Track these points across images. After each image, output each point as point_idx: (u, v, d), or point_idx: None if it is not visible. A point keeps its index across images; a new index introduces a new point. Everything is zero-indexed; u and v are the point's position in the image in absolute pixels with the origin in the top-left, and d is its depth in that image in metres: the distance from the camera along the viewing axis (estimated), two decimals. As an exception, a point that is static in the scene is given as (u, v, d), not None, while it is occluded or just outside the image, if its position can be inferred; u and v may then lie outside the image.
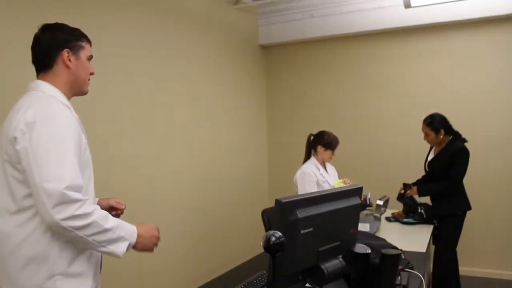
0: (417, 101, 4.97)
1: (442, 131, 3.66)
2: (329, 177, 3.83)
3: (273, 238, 1.29)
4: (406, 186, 3.85)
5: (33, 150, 1.45)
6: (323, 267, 1.55)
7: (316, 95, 5.57)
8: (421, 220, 3.58)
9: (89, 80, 1.74)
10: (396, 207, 3.95)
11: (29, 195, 1.50)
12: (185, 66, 4.35)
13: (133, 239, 1.60)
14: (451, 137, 3.71)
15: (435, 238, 3.73)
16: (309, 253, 1.55)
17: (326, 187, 3.77)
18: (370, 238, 2.20)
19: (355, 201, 1.71)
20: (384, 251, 1.70)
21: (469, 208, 3.69)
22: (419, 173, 4.02)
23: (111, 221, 1.55)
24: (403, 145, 5.04)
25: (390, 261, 1.66)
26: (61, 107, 1.58)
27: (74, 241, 1.53)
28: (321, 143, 3.80)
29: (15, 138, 1.49)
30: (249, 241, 5.25)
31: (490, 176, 4.69)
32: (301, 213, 1.48)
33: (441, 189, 3.64)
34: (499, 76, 4.65)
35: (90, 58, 1.74)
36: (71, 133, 1.54)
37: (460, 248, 3.77)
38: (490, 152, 4.67)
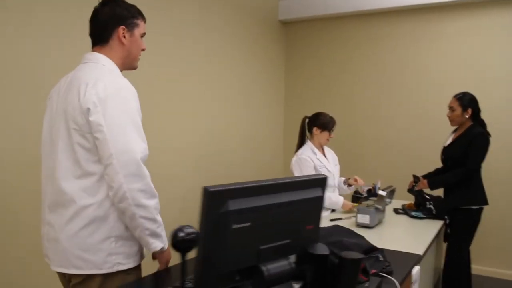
0: (441, 86, 4.57)
1: (469, 110, 3.33)
2: (327, 162, 3.56)
3: (181, 234, 1.08)
4: (415, 179, 3.53)
5: (107, 123, 1.55)
6: (263, 268, 1.31)
7: (337, 76, 5.23)
8: (431, 215, 3.26)
9: (139, 56, 1.82)
10: (409, 198, 3.64)
11: (95, 161, 1.61)
12: (199, 43, 4.12)
13: (166, 246, 1.71)
14: (472, 123, 3.36)
15: (446, 235, 3.41)
16: (247, 252, 1.31)
17: (324, 172, 3.50)
18: (347, 235, 1.93)
19: (315, 193, 1.45)
20: (344, 254, 1.45)
21: (486, 202, 3.33)
22: (437, 164, 3.68)
23: (159, 217, 1.67)
24: (424, 134, 4.67)
25: (348, 266, 1.41)
26: (126, 81, 1.66)
27: (123, 215, 1.61)
28: (316, 124, 3.53)
29: (88, 110, 1.57)
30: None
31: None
32: (234, 205, 1.24)
33: (455, 179, 3.30)
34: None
35: (143, 35, 1.81)
36: (137, 106, 1.66)
37: (473, 246, 3.44)
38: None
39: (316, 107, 5.31)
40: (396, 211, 3.50)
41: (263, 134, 5.23)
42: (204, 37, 4.18)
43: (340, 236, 1.84)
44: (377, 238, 2.72)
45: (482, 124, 3.37)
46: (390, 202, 3.20)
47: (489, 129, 3.38)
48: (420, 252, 2.29)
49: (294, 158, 3.54)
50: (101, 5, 1.74)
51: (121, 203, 1.58)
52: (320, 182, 1.48)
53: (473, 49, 4.44)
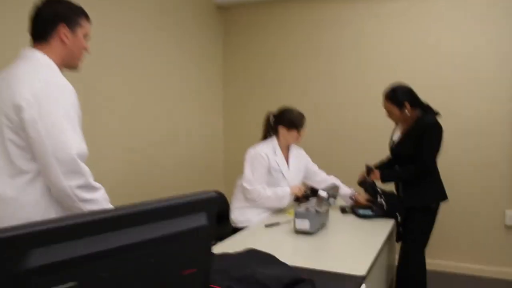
0: (396, 69, 4.19)
1: (406, 104, 2.90)
2: (285, 167, 3.10)
3: None
4: (368, 170, 3.13)
5: (42, 120, 1.51)
6: None
7: (282, 65, 4.73)
8: (381, 213, 2.87)
9: (82, 56, 1.78)
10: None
11: (29, 159, 1.56)
12: (123, 33, 3.50)
13: None
14: (419, 114, 2.95)
15: (399, 235, 3.04)
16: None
17: (279, 179, 3.05)
18: (263, 263, 1.47)
19: (196, 221, 0.97)
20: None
21: (444, 197, 2.96)
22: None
23: (110, 204, 1.64)
24: (377, 121, 4.27)
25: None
26: (63, 79, 1.63)
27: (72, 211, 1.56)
28: (282, 122, 3.06)
29: (20, 107, 1.52)
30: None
31: (468, 159, 3.96)
32: (43, 257, 0.75)
33: (409, 175, 2.90)
34: (488, 37, 3.87)
35: (86, 35, 1.76)
36: (75, 104, 1.62)
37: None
38: (473, 131, 3.93)
39: (258, 100, 4.87)
40: (342, 209, 3.09)
41: (200, 132, 4.66)
42: (128, 24, 3.57)
43: (254, 266, 1.37)
44: (318, 247, 2.34)
45: (426, 108, 2.95)
46: (334, 202, 2.78)
47: (444, 112, 3.00)
48: (363, 271, 1.86)
49: (251, 150, 3.08)
50: (43, 2, 1.70)
51: (65, 201, 1.56)
52: (205, 204, 1.00)
53: (422, 29, 4.08)
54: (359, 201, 3.08)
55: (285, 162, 3.11)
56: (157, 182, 3.97)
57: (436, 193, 2.92)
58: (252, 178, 2.98)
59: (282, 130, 3.05)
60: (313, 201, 2.65)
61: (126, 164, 3.59)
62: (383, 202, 2.84)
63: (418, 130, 2.85)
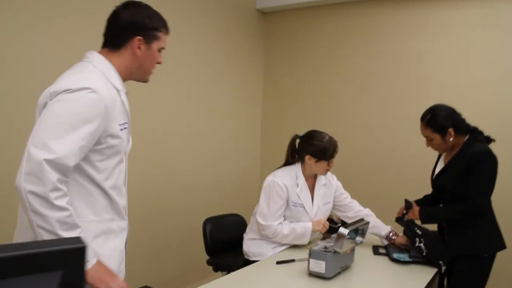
0: (450, 84, 3.63)
1: (450, 131, 2.36)
2: (309, 202, 2.62)
3: None
4: (407, 206, 2.63)
5: (46, 112, 1.39)
6: None
7: (327, 77, 4.30)
8: (420, 259, 2.36)
9: (152, 69, 1.67)
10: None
11: None
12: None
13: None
14: (467, 137, 2.41)
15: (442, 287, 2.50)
16: None
17: (300, 213, 2.60)
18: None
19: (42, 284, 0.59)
20: None
21: (501, 246, 2.37)
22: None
23: (71, 232, 1.38)
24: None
25: None
26: (97, 86, 1.45)
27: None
28: (309, 150, 2.54)
29: (45, 104, 1.43)
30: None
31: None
32: None
33: (455, 215, 2.35)
34: None
35: (161, 49, 1.65)
36: (93, 114, 1.42)
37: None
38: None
39: (299, 108, 4.46)
40: (375, 250, 2.60)
41: (237, 139, 4.33)
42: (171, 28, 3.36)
43: None
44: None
45: (475, 132, 2.40)
46: (361, 241, 2.30)
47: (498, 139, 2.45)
48: None
49: (269, 177, 2.62)
50: (123, 7, 1.58)
51: (21, 203, 1.38)
52: (63, 258, 0.61)
53: (486, 41, 3.51)
54: (397, 242, 2.58)
55: (309, 195, 2.62)
56: (191, 201, 3.74)
57: (490, 239, 2.35)
58: (268, 213, 2.54)
59: (309, 161, 2.55)
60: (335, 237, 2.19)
61: (156, 181, 3.43)
62: (422, 247, 2.32)
63: (465, 160, 2.32)
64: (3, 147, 2.45)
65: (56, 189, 1.34)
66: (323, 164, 2.54)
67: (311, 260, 2.08)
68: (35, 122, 1.43)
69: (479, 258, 2.32)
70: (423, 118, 2.44)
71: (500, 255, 2.38)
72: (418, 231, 2.40)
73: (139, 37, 1.56)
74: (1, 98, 2.44)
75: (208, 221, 2.99)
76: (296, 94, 4.48)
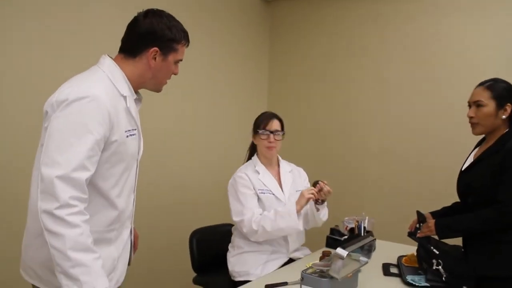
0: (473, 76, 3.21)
1: (508, 106, 1.97)
2: (276, 187, 2.37)
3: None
4: (420, 218, 2.22)
5: (50, 129, 1.37)
6: None
7: (335, 66, 3.92)
8: (439, 283, 1.95)
9: (168, 79, 1.65)
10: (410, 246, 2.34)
11: None
12: None
13: None
14: (508, 129, 2.00)
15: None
16: None
17: (272, 200, 2.31)
18: None
19: None
20: None
21: None
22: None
23: (82, 255, 1.32)
24: (452, 145, 3.28)
25: None
26: (97, 93, 1.40)
27: None
28: (253, 129, 2.44)
29: (46, 113, 1.44)
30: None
31: None
32: None
33: (481, 224, 1.93)
34: None
35: (178, 61, 1.63)
36: (96, 123, 1.39)
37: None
38: None
39: (305, 101, 4.08)
40: (386, 269, 2.20)
41: (241, 138, 3.96)
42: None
43: None
44: None
45: None
46: (366, 262, 1.90)
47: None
48: None
49: (230, 180, 2.40)
50: (144, 14, 1.55)
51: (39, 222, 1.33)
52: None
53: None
54: (408, 260, 2.19)
55: (276, 182, 2.39)
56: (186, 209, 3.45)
57: None
58: (242, 207, 2.26)
59: (254, 139, 2.45)
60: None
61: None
62: (441, 270, 1.91)
63: (501, 155, 1.91)
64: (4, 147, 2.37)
65: (68, 205, 1.31)
66: (260, 137, 2.37)
67: (303, 287, 1.71)
68: (42, 128, 1.45)
69: (509, 280, 1.89)
70: (483, 83, 2.05)
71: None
72: (434, 250, 1.98)
73: (155, 48, 1.54)
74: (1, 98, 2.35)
75: (195, 234, 2.64)
76: (304, 89, 4.12)
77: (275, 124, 2.36)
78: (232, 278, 2.33)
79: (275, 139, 2.34)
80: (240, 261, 2.32)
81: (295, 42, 4.18)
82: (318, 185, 2.20)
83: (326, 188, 2.20)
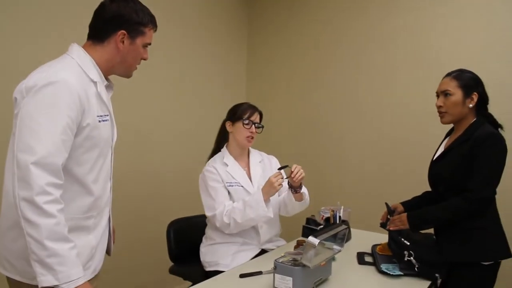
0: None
1: (474, 96, 2.02)
2: (245, 179, 2.36)
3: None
4: (388, 210, 2.25)
5: (21, 116, 1.37)
6: None
7: (316, 59, 3.93)
8: (411, 271, 1.97)
9: (138, 65, 1.65)
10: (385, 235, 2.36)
11: None
12: None
13: (66, 285, 1.32)
14: (475, 119, 2.05)
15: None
16: None
17: (240, 193, 2.30)
18: None
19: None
20: None
21: (507, 253, 1.98)
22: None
23: (59, 245, 1.32)
24: (426, 134, 3.31)
25: None
26: (66, 77, 1.41)
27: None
28: (228, 117, 2.41)
29: (15, 99, 1.44)
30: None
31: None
32: None
33: (452, 215, 1.97)
34: None
35: (147, 45, 1.63)
36: (66, 107, 1.39)
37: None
38: None
39: (284, 89, 4.08)
40: (360, 257, 2.22)
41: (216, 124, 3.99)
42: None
43: None
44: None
45: (492, 120, 2.05)
46: (339, 250, 1.91)
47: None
48: None
49: (200, 174, 2.39)
50: (110, 0, 1.56)
51: (16, 210, 1.32)
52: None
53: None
54: (382, 248, 2.21)
55: (245, 173, 2.38)
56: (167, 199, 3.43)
57: (494, 244, 1.96)
58: (213, 202, 2.26)
59: (229, 127, 2.39)
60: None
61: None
62: (413, 261, 1.93)
63: (470, 143, 1.95)
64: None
65: (45, 192, 1.30)
66: (240, 128, 2.33)
67: (276, 275, 1.72)
68: (14, 116, 1.43)
69: (479, 266, 1.94)
70: (450, 73, 2.10)
71: (506, 262, 1.99)
72: (405, 241, 1.99)
73: (123, 31, 1.55)
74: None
75: (173, 224, 2.63)
76: (282, 79, 4.13)
77: (257, 117, 2.37)
78: (204, 268, 2.34)
79: (256, 131, 2.35)
80: (210, 251, 2.33)
81: (274, 31, 4.17)
82: (292, 172, 2.18)
83: (297, 173, 2.15)
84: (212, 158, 2.43)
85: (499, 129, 2.03)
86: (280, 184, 2.13)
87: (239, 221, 2.16)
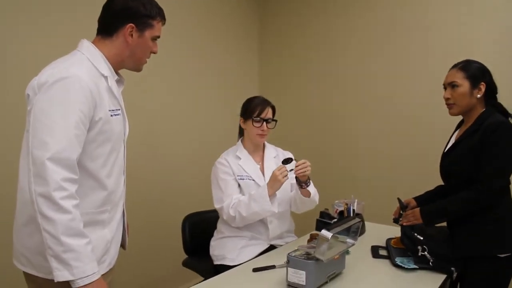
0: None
1: (482, 86, 1.99)
2: (258, 173, 2.35)
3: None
4: (401, 205, 2.24)
5: (35, 112, 1.38)
6: None
7: (327, 54, 3.90)
8: (426, 265, 1.96)
9: (147, 58, 1.65)
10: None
11: None
12: None
13: (80, 280, 1.35)
14: (484, 109, 2.01)
15: (455, 293, 2.09)
16: None
17: (251, 186, 2.29)
18: None
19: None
20: None
21: None
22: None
23: (74, 240, 1.34)
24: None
25: None
26: (78, 73, 1.42)
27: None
28: (241, 113, 2.39)
29: (27, 96, 1.45)
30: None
31: None
32: None
33: (463, 207, 1.94)
34: None
35: (156, 38, 1.63)
36: (78, 102, 1.40)
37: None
38: None
39: (297, 83, 4.07)
40: (374, 251, 2.21)
41: (231, 125, 3.99)
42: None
43: None
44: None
45: (501, 110, 2.02)
46: (353, 244, 1.90)
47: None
48: None
49: (213, 166, 2.40)
50: None
51: (32, 206, 1.33)
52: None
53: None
54: (397, 242, 2.19)
55: (258, 167, 2.37)
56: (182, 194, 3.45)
57: (508, 234, 1.94)
58: (222, 194, 2.26)
59: (242, 124, 2.40)
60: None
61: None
62: (427, 256, 1.92)
63: (479, 133, 1.92)
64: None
65: (61, 188, 1.32)
66: (250, 126, 2.32)
67: (289, 269, 1.72)
68: (27, 113, 1.44)
69: (495, 259, 1.91)
70: (456, 64, 2.08)
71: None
72: (419, 236, 1.98)
73: (131, 24, 1.54)
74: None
75: (188, 218, 2.65)
76: (294, 73, 4.10)
77: (269, 112, 2.33)
78: (214, 262, 2.36)
79: (268, 127, 2.32)
80: (219, 245, 2.34)
81: (286, 23, 4.15)
82: (296, 166, 2.16)
83: (301, 168, 2.13)
84: (226, 151, 2.43)
85: (510, 118, 1.99)
86: (285, 177, 2.11)
87: (244, 214, 2.15)
